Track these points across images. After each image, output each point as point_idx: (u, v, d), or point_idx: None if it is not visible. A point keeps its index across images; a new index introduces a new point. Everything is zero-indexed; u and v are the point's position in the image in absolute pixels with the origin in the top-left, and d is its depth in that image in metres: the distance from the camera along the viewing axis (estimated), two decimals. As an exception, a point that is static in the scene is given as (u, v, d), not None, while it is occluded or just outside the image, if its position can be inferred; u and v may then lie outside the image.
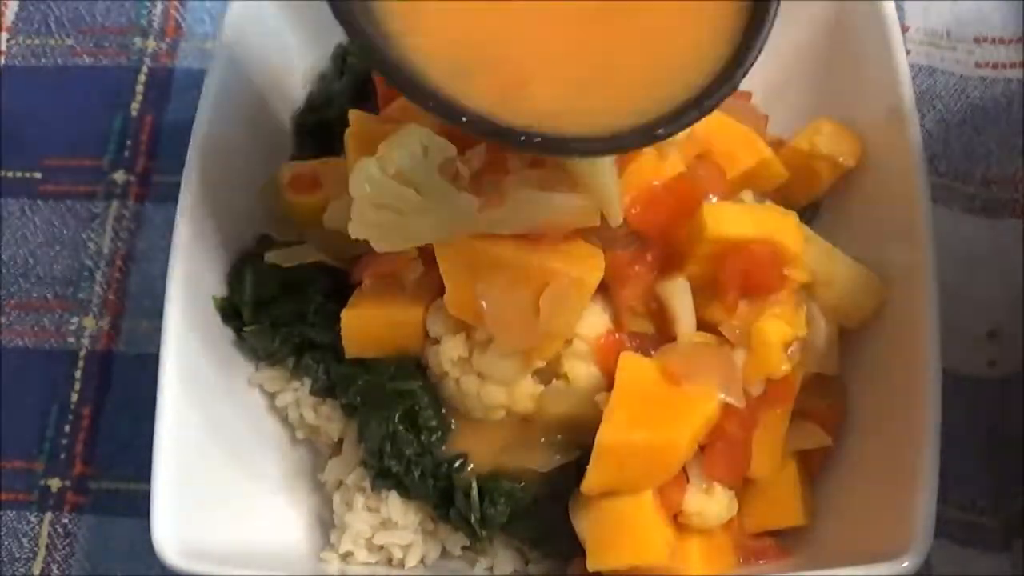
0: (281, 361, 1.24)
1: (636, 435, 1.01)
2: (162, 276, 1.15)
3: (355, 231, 1.04)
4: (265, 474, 1.22)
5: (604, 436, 1.02)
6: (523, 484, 1.11)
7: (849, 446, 1.17)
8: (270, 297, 1.22)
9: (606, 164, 1.04)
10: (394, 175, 1.03)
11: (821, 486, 1.18)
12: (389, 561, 1.17)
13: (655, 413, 1.02)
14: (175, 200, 1.18)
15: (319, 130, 1.35)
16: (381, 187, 1.02)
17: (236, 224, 1.26)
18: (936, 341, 1.09)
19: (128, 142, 1.49)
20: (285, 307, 1.22)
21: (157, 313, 1.14)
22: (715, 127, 1.18)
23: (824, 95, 1.31)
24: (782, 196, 1.23)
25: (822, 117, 1.27)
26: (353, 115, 1.21)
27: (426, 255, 1.08)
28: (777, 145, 1.26)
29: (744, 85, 1.30)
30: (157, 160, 1.48)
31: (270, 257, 1.21)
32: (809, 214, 1.29)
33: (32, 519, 1.30)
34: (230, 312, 1.22)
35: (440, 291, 1.08)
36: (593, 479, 1.03)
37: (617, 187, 1.05)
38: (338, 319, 1.15)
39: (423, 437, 1.13)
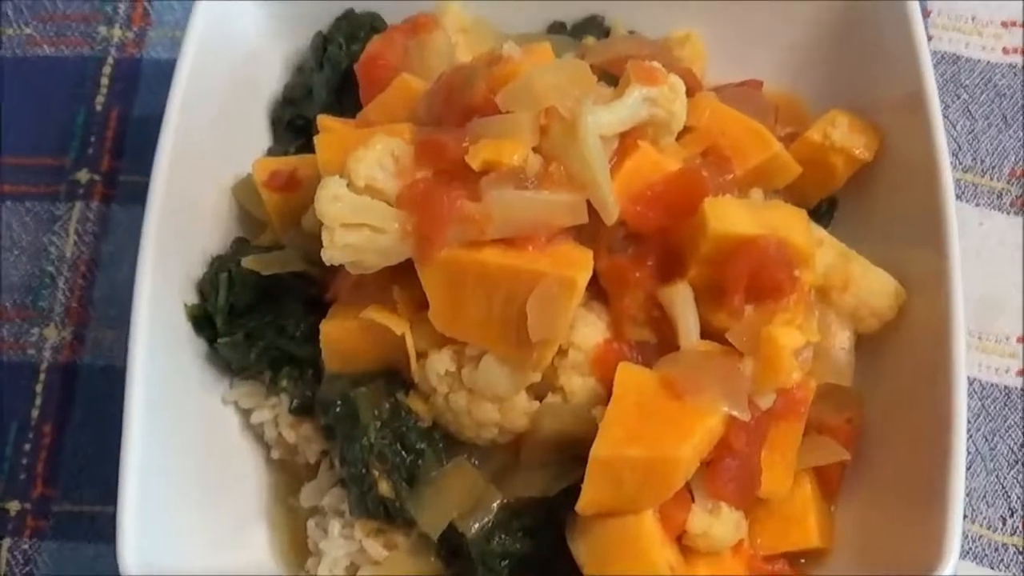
0: (257, 376, 1.27)
1: (633, 450, 1.03)
2: (129, 283, 1.17)
3: (329, 257, 1.07)
4: (239, 497, 1.25)
5: (599, 451, 1.04)
6: (520, 536, 1.13)
7: (868, 462, 1.20)
8: (246, 306, 1.24)
9: (596, 155, 1.07)
10: (364, 189, 1.06)
11: (839, 505, 1.20)
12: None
13: (654, 427, 1.04)
14: (143, 201, 1.20)
15: (297, 125, 1.38)
16: (351, 205, 1.05)
17: (209, 227, 1.29)
18: (961, 348, 1.12)
19: (92, 138, 1.51)
20: (262, 317, 1.24)
21: (124, 323, 1.16)
22: (721, 120, 1.22)
23: (839, 84, 1.33)
24: (794, 193, 1.26)
25: (837, 108, 1.29)
26: (323, 121, 1.24)
27: (408, 267, 1.09)
28: (788, 139, 1.28)
29: (753, 73, 1.35)
30: (124, 158, 1.50)
31: (247, 263, 1.23)
32: (823, 212, 1.32)
33: (-11, 545, 1.32)
34: (203, 322, 1.25)
35: (425, 303, 1.10)
36: (589, 498, 1.05)
37: (609, 180, 1.08)
38: (319, 331, 1.17)
39: (409, 460, 1.15)
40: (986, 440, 1.27)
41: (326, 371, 1.20)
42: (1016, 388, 1.30)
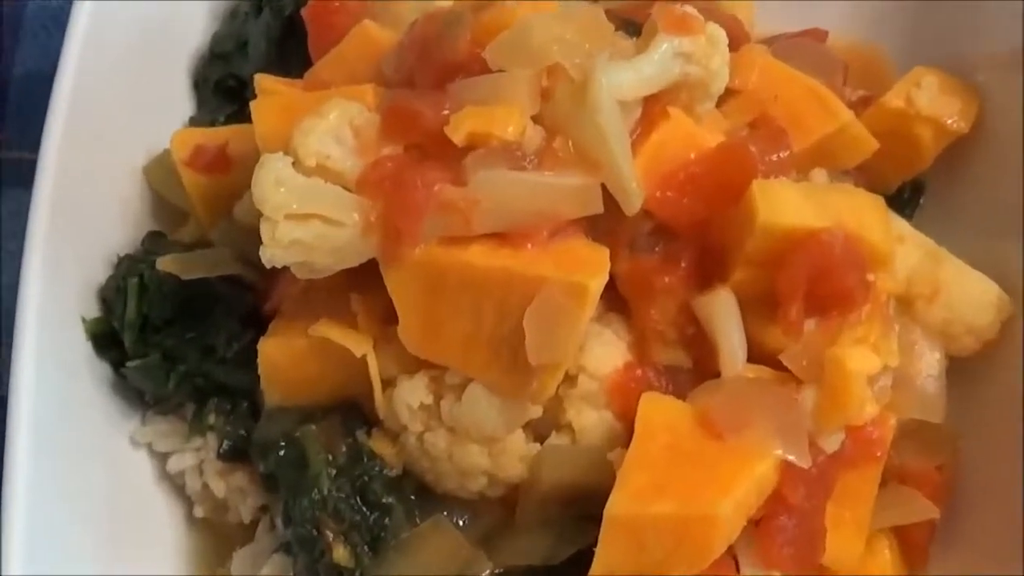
0: (177, 410, 1.28)
1: (660, 505, 1.03)
2: (12, 290, 1.18)
3: (270, 257, 1.07)
4: (153, 565, 1.25)
5: (617, 506, 1.04)
6: None
7: (964, 520, 1.21)
8: (163, 320, 1.25)
9: (612, 126, 1.07)
10: (315, 169, 1.07)
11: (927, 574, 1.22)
12: None
13: (687, 475, 1.05)
14: (29, 184, 1.20)
15: (228, 86, 1.39)
16: (298, 190, 1.06)
17: (115, 218, 1.30)
18: (1081, 375, 1.14)
19: (-37, 104, 1.53)
20: (184, 334, 1.25)
21: (5, 342, 1.17)
22: (775, 80, 1.23)
23: (926, 35, 1.35)
24: (869, 175, 1.27)
25: (923, 65, 1.31)
26: (261, 81, 1.24)
27: (371, 270, 1.10)
28: (861, 104, 1.29)
29: (816, 21, 1.36)
30: (3, 129, 1.51)
31: (164, 264, 1.23)
32: (906, 199, 1.34)
33: None
34: (107, 340, 1.26)
35: (392, 316, 1.11)
36: (604, 565, 1.05)
37: (630, 158, 1.08)
38: (256, 352, 1.17)
39: (372, 518, 1.16)
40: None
41: (266, 404, 1.21)
42: None
